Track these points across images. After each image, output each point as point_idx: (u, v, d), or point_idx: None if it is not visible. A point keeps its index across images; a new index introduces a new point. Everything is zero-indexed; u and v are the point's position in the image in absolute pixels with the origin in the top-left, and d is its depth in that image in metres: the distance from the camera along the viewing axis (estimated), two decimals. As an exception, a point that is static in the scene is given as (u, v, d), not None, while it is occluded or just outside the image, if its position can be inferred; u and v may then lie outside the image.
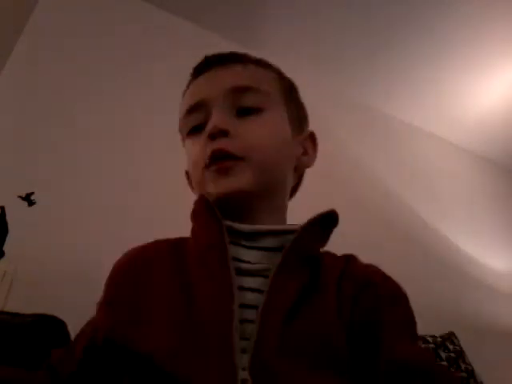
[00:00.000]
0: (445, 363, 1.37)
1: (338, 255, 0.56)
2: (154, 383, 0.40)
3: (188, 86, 0.63)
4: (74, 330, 0.54)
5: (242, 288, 0.46)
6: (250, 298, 0.45)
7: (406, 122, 2.31)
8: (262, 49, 1.99)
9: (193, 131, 0.58)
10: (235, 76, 0.58)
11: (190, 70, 0.63)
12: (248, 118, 0.55)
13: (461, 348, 1.48)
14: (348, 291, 0.47)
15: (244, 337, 0.41)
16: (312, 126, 0.67)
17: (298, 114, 0.63)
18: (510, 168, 2.55)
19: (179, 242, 0.55)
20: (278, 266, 0.47)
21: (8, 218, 1.25)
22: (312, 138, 0.64)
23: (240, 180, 0.52)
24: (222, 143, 0.52)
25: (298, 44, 1.97)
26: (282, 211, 0.59)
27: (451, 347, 1.44)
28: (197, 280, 0.47)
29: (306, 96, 0.68)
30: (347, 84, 2.07)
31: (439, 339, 1.45)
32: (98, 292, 0.54)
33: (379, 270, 0.53)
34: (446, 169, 2.34)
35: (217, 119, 0.54)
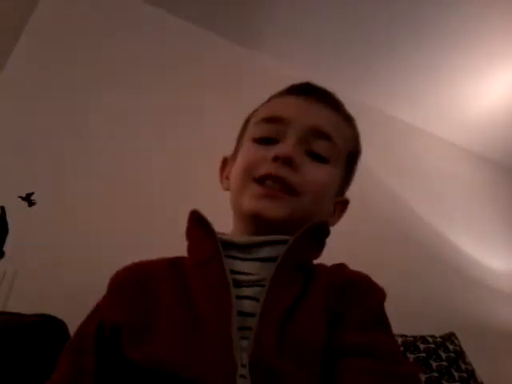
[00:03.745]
0: (445, 363, 1.37)
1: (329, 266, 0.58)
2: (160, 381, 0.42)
3: (278, 96, 0.66)
4: (73, 330, 0.54)
5: (239, 297, 0.48)
6: (247, 305, 0.48)
7: (406, 122, 2.31)
8: (261, 49, 2.00)
9: (259, 140, 0.61)
10: (325, 118, 0.62)
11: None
12: (314, 162, 0.59)
13: (461, 348, 1.47)
14: (333, 291, 0.50)
15: (244, 336, 0.44)
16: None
17: (347, 179, 0.67)
18: (510, 168, 2.55)
19: (177, 260, 0.58)
20: (272, 275, 0.49)
21: (8, 217, 1.25)
22: (344, 204, 0.67)
23: (280, 211, 0.54)
24: (282, 171, 0.55)
25: (298, 44, 1.97)
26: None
27: (451, 347, 1.44)
28: (198, 294, 0.49)
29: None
30: (347, 84, 2.07)
31: (439, 339, 1.45)
32: (98, 292, 0.54)
33: (366, 276, 0.55)
34: (447, 169, 2.34)
35: (291, 148, 0.57)
